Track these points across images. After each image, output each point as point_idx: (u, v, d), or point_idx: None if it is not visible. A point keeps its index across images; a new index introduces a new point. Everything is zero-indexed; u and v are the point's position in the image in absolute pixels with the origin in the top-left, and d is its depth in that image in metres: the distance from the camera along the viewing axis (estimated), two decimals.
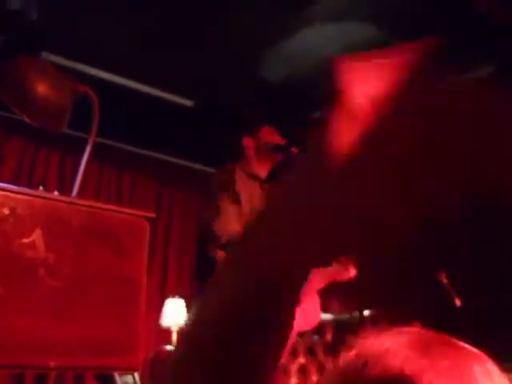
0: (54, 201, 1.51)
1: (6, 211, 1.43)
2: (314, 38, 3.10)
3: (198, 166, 4.45)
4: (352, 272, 2.40)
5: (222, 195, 2.22)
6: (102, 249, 1.54)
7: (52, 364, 1.40)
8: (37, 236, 1.46)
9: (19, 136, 3.61)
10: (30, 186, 3.64)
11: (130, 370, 1.55)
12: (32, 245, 1.45)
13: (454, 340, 0.58)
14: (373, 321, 2.54)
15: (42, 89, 1.55)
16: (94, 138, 1.75)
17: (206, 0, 2.81)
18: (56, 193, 1.61)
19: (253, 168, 2.40)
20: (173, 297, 3.75)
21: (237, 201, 2.21)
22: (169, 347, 3.70)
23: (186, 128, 4.01)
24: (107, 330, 1.51)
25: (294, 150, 2.32)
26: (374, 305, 2.01)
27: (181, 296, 3.68)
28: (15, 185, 3.49)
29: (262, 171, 2.42)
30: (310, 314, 2.84)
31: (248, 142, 2.43)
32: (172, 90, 3.71)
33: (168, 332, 3.72)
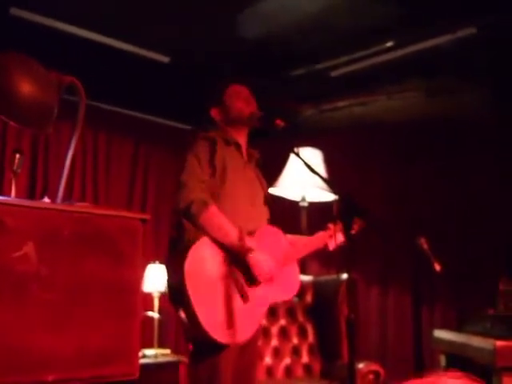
0: (43, 210, 1.43)
1: None
2: None
3: (174, 124, 4.33)
4: (332, 245, 2.40)
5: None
6: (96, 255, 1.49)
7: (50, 378, 1.38)
8: (28, 249, 1.40)
9: None
10: (2, 156, 3.48)
11: (128, 377, 1.54)
12: (23, 258, 1.39)
13: None
14: (351, 283, 2.58)
15: (27, 89, 1.43)
16: (80, 132, 1.64)
17: None
18: (46, 199, 1.52)
19: (227, 134, 2.28)
20: (153, 263, 3.70)
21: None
22: (151, 313, 3.70)
23: (162, 85, 3.87)
24: (105, 340, 1.49)
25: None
26: (353, 268, 2.04)
27: (161, 262, 3.61)
28: None
29: (239, 137, 2.32)
30: (289, 284, 2.88)
31: (215, 113, 2.32)
32: (148, 46, 3.54)
33: (150, 298, 3.71)
